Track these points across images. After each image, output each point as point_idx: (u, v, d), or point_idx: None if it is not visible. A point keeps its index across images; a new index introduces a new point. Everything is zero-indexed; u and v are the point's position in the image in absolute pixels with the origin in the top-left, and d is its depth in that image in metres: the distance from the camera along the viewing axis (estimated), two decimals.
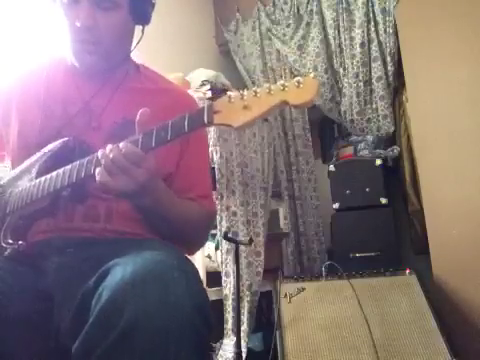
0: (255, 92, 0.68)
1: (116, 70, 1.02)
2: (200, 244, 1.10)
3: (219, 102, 0.70)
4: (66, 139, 0.91)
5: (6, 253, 0.89)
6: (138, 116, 0.77)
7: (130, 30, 1.01)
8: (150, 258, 0.69)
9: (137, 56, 1.11)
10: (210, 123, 0.69)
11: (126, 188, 0.76)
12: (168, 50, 2.80)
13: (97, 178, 0.76)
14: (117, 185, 0.75)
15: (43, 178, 0.87)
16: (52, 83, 1.02)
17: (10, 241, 0.88)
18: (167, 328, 0.61)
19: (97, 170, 0.77)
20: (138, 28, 1.03)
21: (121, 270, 0.67)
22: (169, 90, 1.08)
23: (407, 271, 1.94)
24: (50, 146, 0.92)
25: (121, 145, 0.75)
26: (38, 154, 0.93)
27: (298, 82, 0.65)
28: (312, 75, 0.66)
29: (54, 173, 0.85)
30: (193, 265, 0.77)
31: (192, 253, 1.08)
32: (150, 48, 2.57)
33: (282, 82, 0.66)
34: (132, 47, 1.05)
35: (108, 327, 0.62)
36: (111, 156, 0.74)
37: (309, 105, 0.67)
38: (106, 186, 0.76)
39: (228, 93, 0.70)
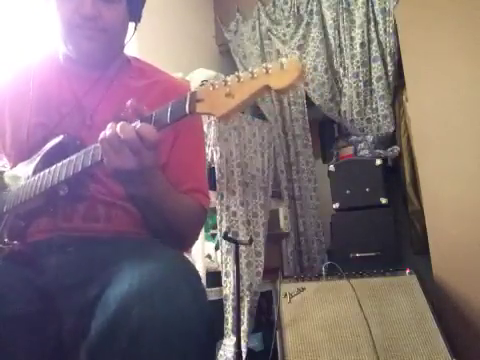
0: (238, 78, 0.64)
1: (109, 66, 1.02)
2: (192, 239, 1.06)
3: (202, 90, 0.67)
4: (61, 137, 0.91)
5: (4, 253, 0.88)
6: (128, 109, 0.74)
7: (126, 26, 1.01)
8: (157, 268, 0.70)
9: (134, 54, 1.11)
10: (192, 113, 0.67)
11: (131, 167, 0.73)
12: (168, 50, 2.80)
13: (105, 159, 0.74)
14: (123, 163, 0.73)
15: (37, 176, 0.87)
16: (44, 81, 1.01)
17: (6, 240, 0.87)
18: (172, 336, 0.63)
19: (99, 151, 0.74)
20: (131, 26, 1.03)
21: (128, 279, 0.68)
22: (161, 82, 1.06)
23: (407, 271, 1.94)
24: (48, 144, 0.92)
25: (137, 125, 0.71)
26: (37, 152, 0.92)
27: (282, 63, 0.61)
28: (296, 56, 0.64)
29: (47, 170, 0.85)
30: (198, 275, 0.77)
31: (185, 250, 1.06)
32: (150, 48, 2.59)
33: (265, 64, 0.62)
34: (125, 43, 1.04)
35: (114, 335, 0.64)
36: (123, 136, 0.71)
37: (291, 89, 0.63)
38: (112, 163, 0.73)
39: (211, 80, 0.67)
